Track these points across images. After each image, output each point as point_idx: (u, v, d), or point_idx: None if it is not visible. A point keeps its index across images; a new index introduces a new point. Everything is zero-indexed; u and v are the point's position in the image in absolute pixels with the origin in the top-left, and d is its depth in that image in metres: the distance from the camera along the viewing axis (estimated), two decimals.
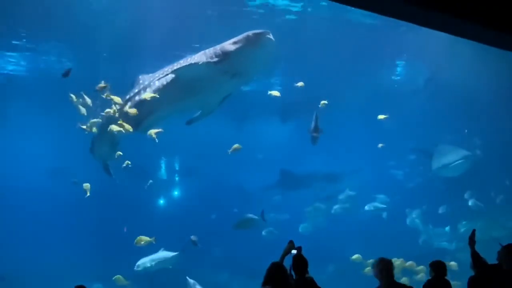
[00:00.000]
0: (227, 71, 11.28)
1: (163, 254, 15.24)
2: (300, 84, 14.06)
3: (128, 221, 18.02)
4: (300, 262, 5.42)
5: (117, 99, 12.08)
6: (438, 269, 6.06)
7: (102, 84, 11.77)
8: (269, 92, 13.64)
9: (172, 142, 21.24)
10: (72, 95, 12.58)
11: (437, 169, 18.58)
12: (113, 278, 13.71)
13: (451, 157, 17.90)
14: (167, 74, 11.74)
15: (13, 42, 15.43)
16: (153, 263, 14.99)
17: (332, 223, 20.68)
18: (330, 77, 17.44)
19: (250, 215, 16.61)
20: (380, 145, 17.63)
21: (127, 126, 11.92)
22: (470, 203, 18.32)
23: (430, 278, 6.12)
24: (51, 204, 20.75)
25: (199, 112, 13.05)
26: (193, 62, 11.31)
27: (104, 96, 12.00)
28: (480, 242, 6.30)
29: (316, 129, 14.35)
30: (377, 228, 20.08)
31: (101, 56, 15.39)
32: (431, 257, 6.61)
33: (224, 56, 11.09)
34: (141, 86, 12.50)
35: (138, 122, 12.23)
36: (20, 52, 16.34)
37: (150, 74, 12.73)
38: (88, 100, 12.57)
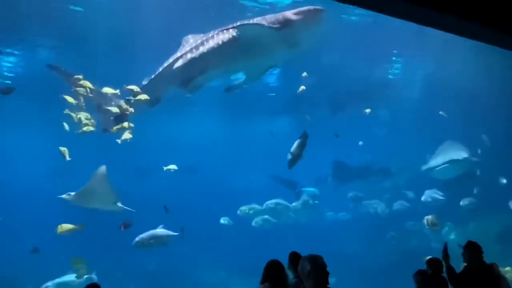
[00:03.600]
0: (285, 39, 11.57)
1: (70, 277, 14.58)
2: (304, 74, 14.30)
3: (125, 219, 17.91)
4: (297, 260, 5.41)
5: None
6: (434, 266, 6.07)
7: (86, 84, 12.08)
8: (298, 91, 14.18)
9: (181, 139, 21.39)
10: (66, 96, 12.54)
11: (425, 170, 17.71)
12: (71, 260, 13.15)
13: (439, 160, 17.09)
14: (229, 29, 11.76)
15: (10, 40, 15.42)
16: None
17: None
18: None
19: (161, 231, 14.37)
20: (360, 143, 17.66)
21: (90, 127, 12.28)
22: (423, 198, 17.96)
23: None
24: (49, 203, 20.71)
25: (239, 80, 13.37)
26: (258, 22, 11.49)
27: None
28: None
29: (299, 152, 12.45)
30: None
31: (98, 53, 15.38)
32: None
33: (286, 24, 11.36)
34: (193, 44, 12.46)
35: (188, 80, 12.36)
36: (16, 50, 16.31)
37: (201, 34, 12.67)
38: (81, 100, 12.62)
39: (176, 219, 19.82)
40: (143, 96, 12.44)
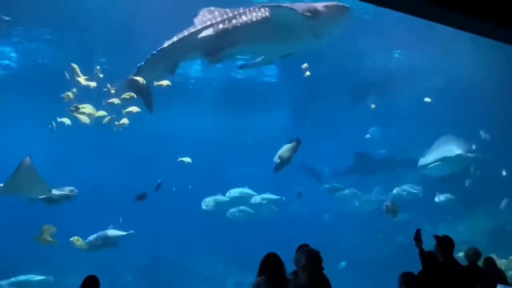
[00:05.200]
0: (312, 30, 11.96)
1: (28, 276, 14.86)
2: (305, 65, 14.40)
3: (125, 213, 17.93)
4: None
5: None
6: (429, 260, 6.07)
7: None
8: (305, 75, 14.33)
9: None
10: (67, 93, 12.55)
11: (419, 167, 17.09)
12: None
13: (432, 157, 16.50)
14: (262, 8, 12.09)
15: (5, 32, 15.31)
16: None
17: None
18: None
19: (111, 231, 13.84)
20: (367, 136, 17.49)
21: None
22: (395, 191, 17.83)
23: (422, 269, 6.17)
24: None
25: (257, 60, 13.53)
26: (293, 7, 11.79)
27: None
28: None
29: (288, 157, 11.86)
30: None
31: (96, 45, 15.30)
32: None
33: (316, 14, 11.77)
34: (224, 16, 12.56)
35: (217, 51, 12.49)
36: (12, 42, 16.22)
37: (227, 9, 12.69)
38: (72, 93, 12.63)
39: (173, 214, 19.87)
40: (165, 82, 12.73)
